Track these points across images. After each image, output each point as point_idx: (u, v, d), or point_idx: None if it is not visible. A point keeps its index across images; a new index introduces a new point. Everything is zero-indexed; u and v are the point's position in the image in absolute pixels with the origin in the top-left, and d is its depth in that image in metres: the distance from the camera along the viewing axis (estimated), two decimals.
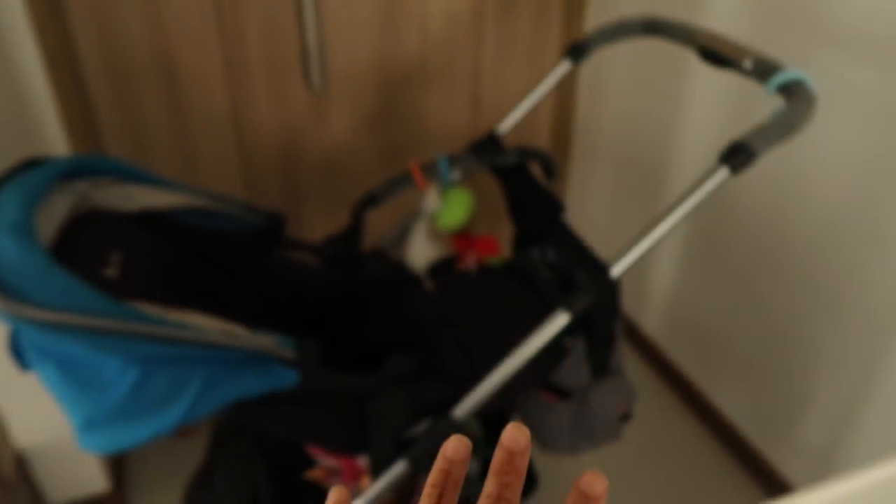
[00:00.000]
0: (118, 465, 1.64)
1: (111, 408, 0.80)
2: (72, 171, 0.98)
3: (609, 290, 0.96)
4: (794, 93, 0.93)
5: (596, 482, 0.29)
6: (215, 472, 1.30)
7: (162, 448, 1.74)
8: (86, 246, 0.93)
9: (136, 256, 0.97)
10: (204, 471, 1.33)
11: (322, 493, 1.21)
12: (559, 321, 0.96)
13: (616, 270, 0.95)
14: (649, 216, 1.88)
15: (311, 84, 1.72)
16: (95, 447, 0.81)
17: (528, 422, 1.29)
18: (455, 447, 0.31)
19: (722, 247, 1.65)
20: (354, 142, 1.87)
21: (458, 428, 0.99)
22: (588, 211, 2.19)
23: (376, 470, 1.02)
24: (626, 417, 1.19)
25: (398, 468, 1.01)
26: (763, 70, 0.98)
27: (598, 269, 0.96)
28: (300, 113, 1.78)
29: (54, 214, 0.93)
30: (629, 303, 2.09)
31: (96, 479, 1.53)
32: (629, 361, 2.05)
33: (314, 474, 1.21)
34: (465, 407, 0.99)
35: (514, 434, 0.30)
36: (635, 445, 1.77)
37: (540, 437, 1.26)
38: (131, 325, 0.76)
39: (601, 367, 1.11)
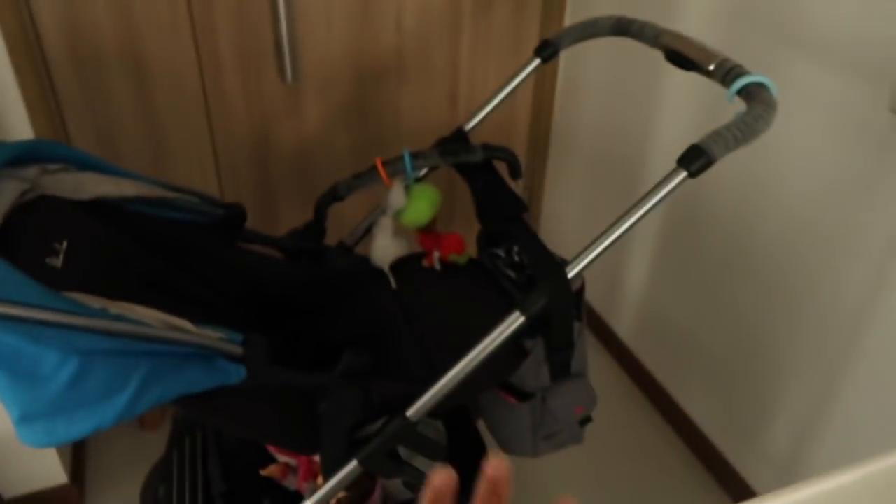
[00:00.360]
0: (76, 457, 1.61)
1: (49, 401, 0.78)
2: (21, 157, 0.96)
3: (564, 292, 0.95)
4: (755, 97, 0.92)
5: (500, 466, 0.30)
6: (173, 466, 1.28)
7: (123, 441, 1.72)
8: (31, 234, 0.91)
9: (83, 246, 0.95)
10: (163, 465, 1.31)
11: (278, 490, 1.20)
12: (514, 323, 0.95)
13: (572, 272, 0.94)
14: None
15: (284, 76, 1.70)
16: (34, 441, 0.79)
17: (489, 422, 1.28)
18: (442, 478, 0.31)
19: (693, 248, 1.65)
20: (328, 135, 1.85)
21: (411, 428, 0.98)
22: (563, 210, 2.19)
23: (328, 469, 1.01)
24: (585, 421, 1.18)
25: (349, 468, 0.99)
26: (726, 73, 0.97)
27: (553, 269, 0.95)
28: (273, 105, 1.76)
29: (0, 200, 0.90)
30: (602, 305, 2.09)
31: (54, 472, 1.51)
32: (601, 363, 2.04)
33: (270, 471, 1.19)
34: (420, 407, 0.98)
35: (496, 463, 0.30)
36: (605, 448, 1.76)
37: (501, 439, 1.25)
38: (68, 316, 0.74)
39: (560, 369, 1.10)
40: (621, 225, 0.93)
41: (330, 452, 0.99)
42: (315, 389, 0.94)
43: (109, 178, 1.06)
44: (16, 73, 1.44)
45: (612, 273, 1.98)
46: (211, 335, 0.85)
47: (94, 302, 0.81)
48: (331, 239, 1.34)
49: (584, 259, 0.94)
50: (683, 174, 0.89)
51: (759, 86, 0.94)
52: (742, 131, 0.89)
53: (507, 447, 1.26)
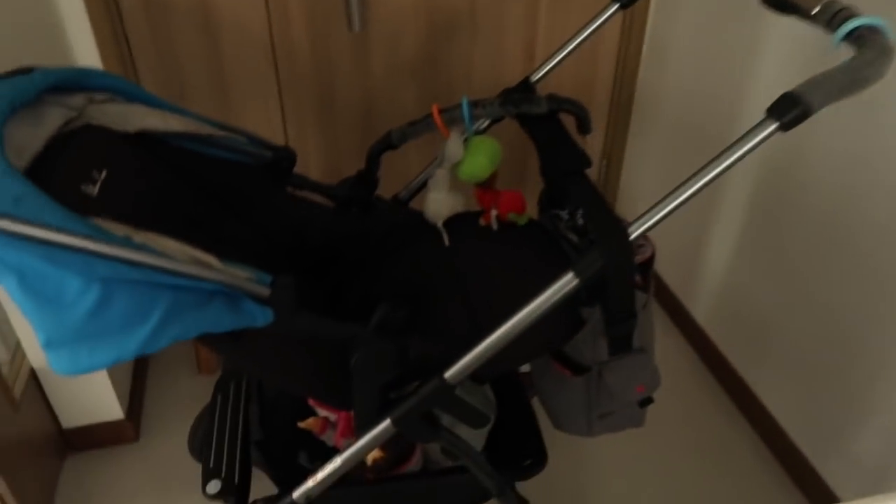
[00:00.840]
0: (134, 395, 1.64)
1: (72, 328, 0.76)
2: (69, 84, 0.94)
3: (624, 255, 0.85)
4: (867, 42, 0.78)
5: None
6: (216, 409, 1.27)
7: (180, 383, 1.74)
8: (70, 161, 0.89)
9: (122, 177, 0.92)
10: (208, 410, 1.30)
11: (315, 444, 1.16)
12: (567, 285, 0.86)
13: (634, 232, 0.84)
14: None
15: (351, 25, 1.64)
16: (60, 368, 0.78)
17: (542, 395, 1.20)
18: None
19: (784, 233, 1.49)
20: (394, 87, 1.79)
21: (448, 390, 0.91)
22: (643, 181, 2.05)
23: (360, 426, 0.96)
24: (646, 402, 1.08)
25: (381, 427, 0.94)
26: (832, 17, 0.84)
27: (613, 229, 0.85)
28: (340, 55, 1.71)
29: (43, 125, 0.89)
30: (678, 284, 1.95)
31: (111, 408, 1.54)
32: (673, 345, 1.91)
33: (308, 424, 1.16)
34: (459, 369, 0.91)
35: None
36: (671, 437, 1.65)
37: (555, 415, 1.17)
38: (86, 241, 0.71)
39: (620, 342, 1.00)
40: (694, 183, 0.82)
41: (362, 409, 0.94)
42: (347, 341, 0.89)
43: (156, 111, 1.03)
44: (90, 18, 1.44)
45: (691, 250, 1.84)
46: (237, 274, 0.81)
47: (119, 230, 0.77)
48: (386, 193, 1.28)
49: (649, 219, 0.84)
50: (773, 125, 0.77)
51: (872, 29, 0.80)
52: (847, 79, 0.76)
53: (559, 424, 1.18)
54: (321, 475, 0.99)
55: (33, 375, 1.44)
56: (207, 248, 0.91)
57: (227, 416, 1.24)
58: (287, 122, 1.77)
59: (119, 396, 1.54)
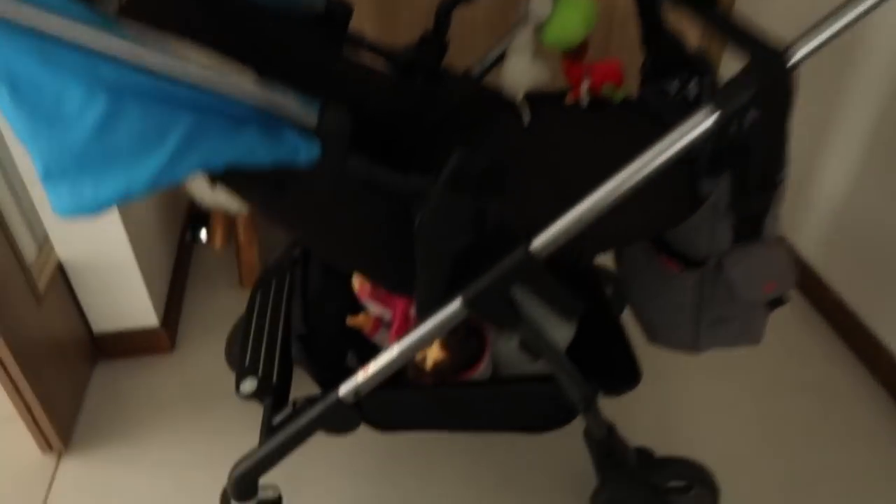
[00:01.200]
0: (171, 302, 1.52)
1: (74, 151, 0.61)
2: None
3: (781, 85, 0.65)
4: None
5: None
6: (255, 305, 1.12)
7: (219, 294, 1.61)
8: None
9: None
10: (246, 310, 1.15)
11: (365, 345, 1.00)
12: (696, 125, 0.66)
13: (797, 54, 0.64)
14: None
15: None
16: (60, 207, 0.63)
17: (637, 300, 1.01)
18: None
19: None
20: None
21: (535, 264, 0.73)
22: None
23: (423, 308, 0.79)
24: (775, 304, 0.88)
25: (451, 308, 0.77)
26: None
27: (769, 49, 0.64)
28: None
29: None
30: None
31: (145, 314, 1.41)
32: None
33: (358, 322, 1.00)
34: (549, 238, 0.72)
35: None
36: (775, 384, 1.43)
37: (653, 323, 0.98)
38: (89, 31, 0.55)
39: (750, 224, 0.81)
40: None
41: (426, 285, 0.76)
42: (412, 196, 0.71)
43: None
44: None
45: (798, 166, 1.59)
46: (278, 93, 0.64)
47: (131, 27, 0.61)
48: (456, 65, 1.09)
49: (816, 38, 0.63)
50: None
51: None
52: None
53: (657, 335, 0.99)
54: (373, 368, 0.83)
55: (62, 270, 1.32)
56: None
57: (266, 313, 1.09)
58: None
59: (154, 303, 1.41)
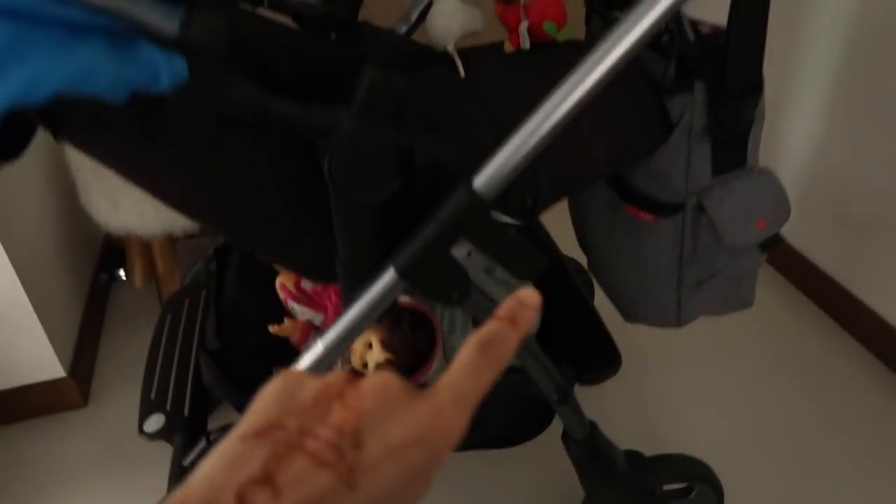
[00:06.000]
0: (80, 349, 1.30)
1: None
2: None
3: None
4: None
5: (531, 296, 0.29)
6: (164, 334, 0.94)
7: (138, 334, 1.41)
8: None
9: None
10: (153, 340, 0.97)
11: (294, 358, 0.83)
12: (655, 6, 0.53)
13: None
14: None
15: None
16: None
17: (606, 273, 0.86)
18: (530, 293, 0.29)
19: (887, 81, 1.16)
20: None
21: (482, 207, 0.57)
22: None
23: (347, 284, 0.62)
24: (768, 244, 0.74)
25: (383, 283, 0.60)
26: None
27: None
28: None
29: None
30: None
31: (48, 363, 1.21)
32: None
33: (284, 329, 0.83)
34: (493, 173, 0.57)
35: (528, 292, 0.29)
36: (760, 360, 1.30)
37: (627, 296, 0.84)
38: None
39: (730, 147, 0.67)
40: None
41: (349, 252, 0.60)
42: (318, 135, 0.56)
43: None
44: None
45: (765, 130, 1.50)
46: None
47: None
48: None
49: None
50: None
51: None
52: None
53: (635, 311, 0.84)
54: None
55: None
56: None
57: (176, 336, 0.91)
58: None
59: (58, 351, 1.20)
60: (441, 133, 0.61)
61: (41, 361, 1.20)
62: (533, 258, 0.61)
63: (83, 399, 1.26)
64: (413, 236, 0.59)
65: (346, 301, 0.63)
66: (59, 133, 0.54)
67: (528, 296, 0.29)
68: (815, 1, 1.27)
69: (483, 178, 0.57)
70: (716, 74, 0.62)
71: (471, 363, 0.27)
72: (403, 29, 0.97)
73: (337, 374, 0.26)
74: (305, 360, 0.64)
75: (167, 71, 0.49)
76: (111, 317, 1.48)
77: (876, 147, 1.20)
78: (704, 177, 0.70)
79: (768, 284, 1.48)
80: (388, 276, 0.60)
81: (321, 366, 0.65)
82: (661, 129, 0.66)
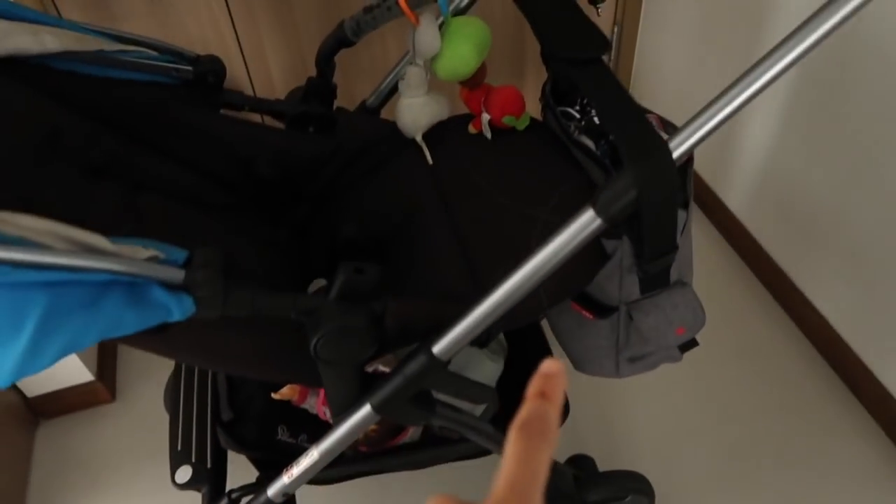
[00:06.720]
0: (104, 354, 1.47)
1: None
2: None
3: (664, 180, 0.61)
4: None
5: (554, 366, 0.30)
6: (180, 382, 1.09)
7: None
8: None
9: None
10: (172, 379, 1.12)
11: (295, 414, 0.99)
12: (584, 227, 0.63)
13: (677, 149, 0.60)
14: (743, 65, 1.44)
15: None
16: None
17: (559, 337, 1.00)
18: (553, 365, 0.30)
19: (839, 104, 1.23)
20: None
21: (439, 368, 0.71)
22: (662, 53, 1.75)
23: (336, 410, 0.77)
24: (687, 346, 0.88)
25: (361, 414, 0.75)
26: None
27: (650, 146, 0.61)
28: None
29: None
30: (708, 168, 1.70)
31: (77, 370, 1.37)
32: (706, 240, 1.69)
33: (283, 394, 0.98)
34: (449, 343, 0.70)
35: (551, 363, 0.30)
36: (710, 343, 1.46)
37: (576, 357, 0.98)
38: None
39: (655, 280, 0.79)
40: (753, 81, 0.57)
41: (335, 395, 0.74)
42: (304, 316, 0.68)
43: (26, 26, 0.78)
44: None
45: (724, 127, 1.57)
46: (135, 254, 0.59)
47: None
48: (349, 102, 1.03)
49: (695, 131, 0.60)
50: None
51: None
52: None
53: (582, 368, 0.99)
54: (297, 471, 0.81)
55: None
56: (133, 206, 0.68)
57: (193, 387, 1.06)
58: (235, 18, 1.48)
59: (84, 359, 1.36)
60: (405, 282, 0.72)
61: (73, 370, 1.36)
62: (483, 390, 0.75)
63: (111, 395, 1.44)
64: (385, 382, 0.73)
65: (336, 422, 0.77)
66: None
67: (550, 366, 0.30)
68: (779, 14, 1.30)
69: (441, 346, 0.70)
70: (636, 236, 0.73)
71: (516, 448, 0.27)
72: (374, 103, 1.03)
73: None
74: (305, 462, 0.80)
75: (178, 307, 0.60)
76: None
77: (821, 153, 1.30)
78: (634, 293, 0.82)
79: (725, 267, 1.62)
80: (365, 410, 0.74)
81: (317, 466, 0.81)
82: (596, 264, 0.78)
